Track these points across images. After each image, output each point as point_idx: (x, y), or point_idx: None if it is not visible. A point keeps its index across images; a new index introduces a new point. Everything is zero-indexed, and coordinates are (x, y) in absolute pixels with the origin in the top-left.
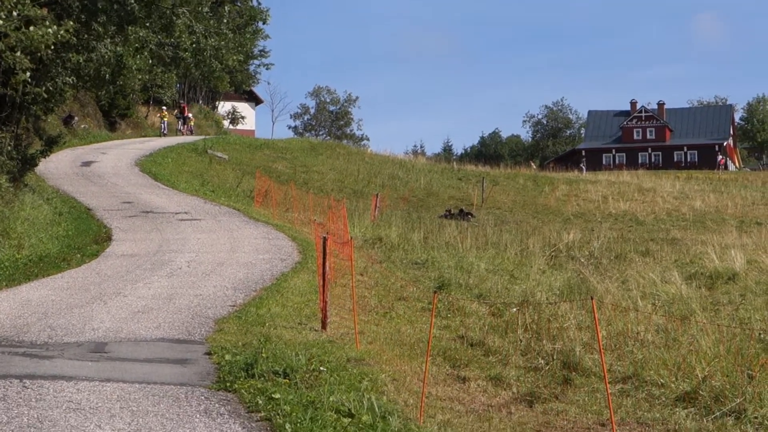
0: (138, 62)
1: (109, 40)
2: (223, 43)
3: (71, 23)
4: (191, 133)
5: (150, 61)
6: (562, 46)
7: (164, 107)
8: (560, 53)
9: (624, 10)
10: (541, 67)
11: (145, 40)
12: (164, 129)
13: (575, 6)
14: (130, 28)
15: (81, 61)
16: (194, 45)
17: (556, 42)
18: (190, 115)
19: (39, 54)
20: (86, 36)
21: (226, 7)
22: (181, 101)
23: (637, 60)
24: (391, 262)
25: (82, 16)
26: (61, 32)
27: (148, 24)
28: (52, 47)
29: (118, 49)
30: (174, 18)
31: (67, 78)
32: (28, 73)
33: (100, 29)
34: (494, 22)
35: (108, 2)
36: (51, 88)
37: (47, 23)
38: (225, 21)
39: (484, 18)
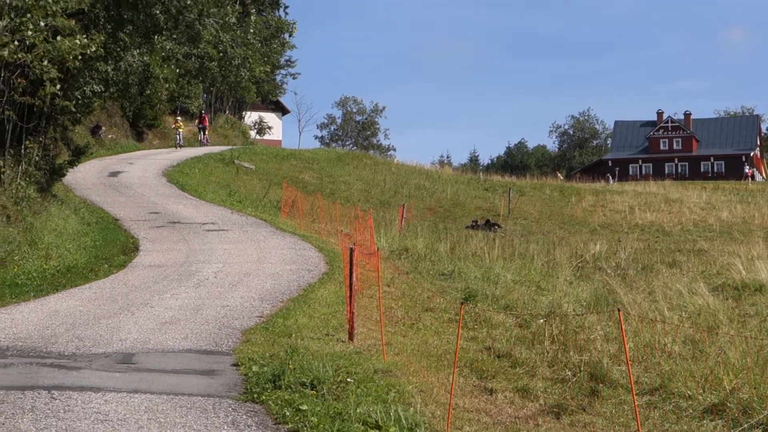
0: (165, 72)
1: (136, 50)
2: (250, 53)
3: (100, 36)
4: (208, 142)
5: (177, 71)
6: (589, 56)
7: (179, 117)
8: (587, 63)
9: (652, 22)
10: (567, 77)
11: (172, 51)
12: (180, 140)
13: (604, 17)
14: (156, 38)
15: (109, 71)
16: (221, 55)
17: (583, 52)
18: (208, 124)
19: (67, 65)
20: (113, 46)
21: (252, 18)
22: (202, 111)
23: (663, 71)
24: (417, 273)
25: (109, 27)
26: (92, 47)
27: (174, 36)
28: (80, 58)
29: (145, 58)
30: (200, 29)
31: (96, 87)
32: (57, 86)
33: (127, 39)
34: (521, 32)
35: (134, 13)
36: (79, 98)
37: (75, 34)
38: (252, 31)
39: (511, 28)
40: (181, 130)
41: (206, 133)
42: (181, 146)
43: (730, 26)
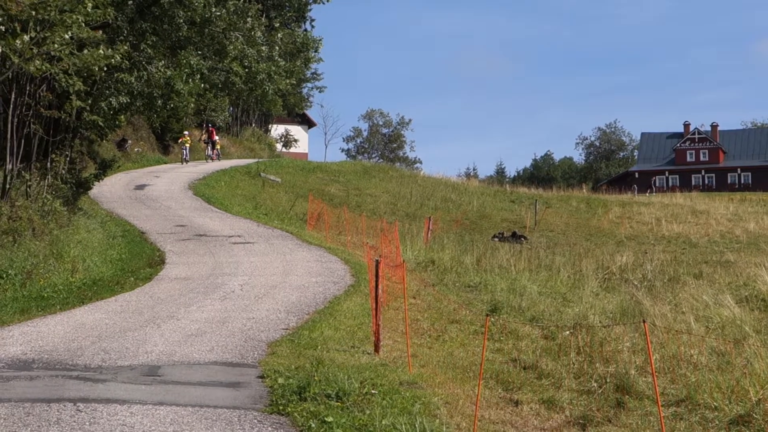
0: (189, 86)
1: (161, 63)
2: (274, 68)
3: (124, 47)
4: (219, 158)
5: (202, 86)
6: (616, 68)
7: (186, 132)
8: (614, 76)
9: (679, 35)
10: (594, 90)
11: (196, 67)
12: (186, 155)
13: (630, 29)
14: (181, 53)
15: (132, 80)
16: (246, 69)
17: (609, 64)
18: (217, 138)
19: (93, 78)
20: (137, 57)
21: (279, 35)
22: (209, 124)
23: (690, 83)
24: (443, 285)
25: (132, 38)
26: (116, 56)
27: (200, 51)
28: (105, 69)
29: (168, 72)
30: (226, 43)
31: (122, 99)
32: (79, 102)
33: (150, 51)
34: (547, 44)
35: (158, 24)
36: (106, 108)
37: (100, 46)
38: (277, 48)
39: (537, 41)
40: (188, 144)
41: (216, 147)
42: (187, 161)
43: (760, 38)
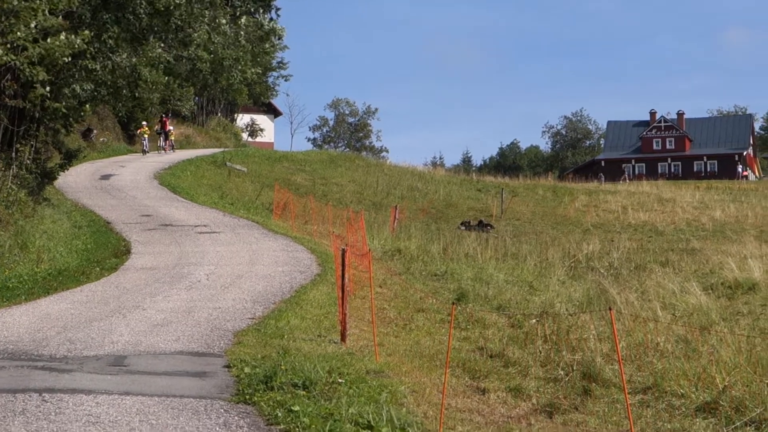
0: (153, 75)
1: (125, 54)
2: (241, 53)
3: (87, 32)
4: (173, 149)
5: (165, 79)
6: (582, 56)
7: (144, 122)
8: (580, 64)
9: (645, 22)
10: (560, 78)
11: (158, 59)
12: (146, 146)
13: (596, 16)
14: (144, 44)
15: (97, 68)
16: (212, 56)
17: (576, 52)
18: (172, 128)
19: (57, 66)
20: (100, 46)
21: (243, 20)
22: (163, 114)
23: (657, 71)
24: (410, 274)
25: (95, 27)
26: (78, 41)
27: (163, 40)
28: (70, 57)
29: (134, 60)
30: (191, 31)
31: (86, 85)
32: (47, 88)
33: (111, 42)
34: (514, 32)
35: (121, 13)
36: (69, 95)
37: (64, 34)
38: (243, 34)
39: (504, 28)
40: (146, 135)
41: (169, 138)
42: (146, 152)
43: (728, 27)
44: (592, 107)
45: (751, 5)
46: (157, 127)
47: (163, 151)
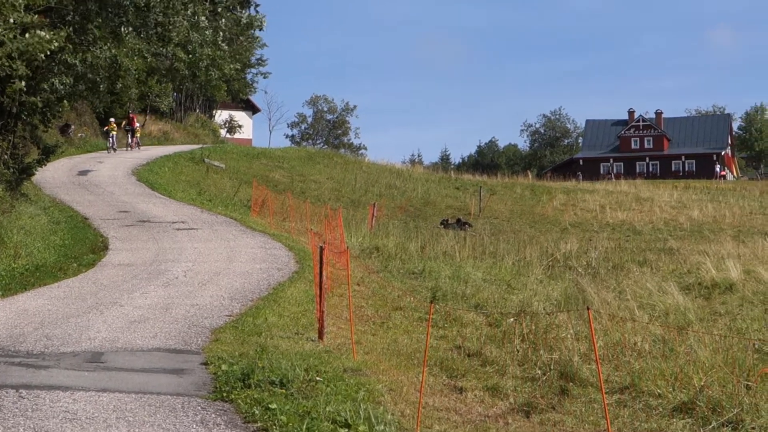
0: (134, 62)
1: (105, 46)
2: (219, 53)
3: (64, 32)
4: (139, 146)
5: (146, 63)
6: (561, 55)
7: (112, 119)
8: (559, 62)
9: (628, 21)
10: (539, 76)
11: (139, 49)
12: (113, 143)
13: (577, 15)
14: (124, 30)
15: (77, 63)
16: (190, 56)
17: (554, 51)
18: (138, 125)
19: (35, 62)
20: (80, 40)
21: (222, 20)
22: (129, 111)
23: (635, 70)
24: (388, 272)
25: (76, 22)
26: (55, 42)
27: (143, 34)
28: (48, 53)
29: (114, 51)
30: (170, 27)
31: (65, 79)
32: (23, 82)
33: (97, 32)
34: (493, 31)
35: (101, 6)
36: (47, 89)
37: (43, 31)
38: (221, 33)
39: (482, 26)
40: (114, 132)
41: (137, 135)
42: (114, 150)
43: (715, 26)
44: (570, 106)
45: (740, 5)
46: (124, 124)
47: (129, 149)
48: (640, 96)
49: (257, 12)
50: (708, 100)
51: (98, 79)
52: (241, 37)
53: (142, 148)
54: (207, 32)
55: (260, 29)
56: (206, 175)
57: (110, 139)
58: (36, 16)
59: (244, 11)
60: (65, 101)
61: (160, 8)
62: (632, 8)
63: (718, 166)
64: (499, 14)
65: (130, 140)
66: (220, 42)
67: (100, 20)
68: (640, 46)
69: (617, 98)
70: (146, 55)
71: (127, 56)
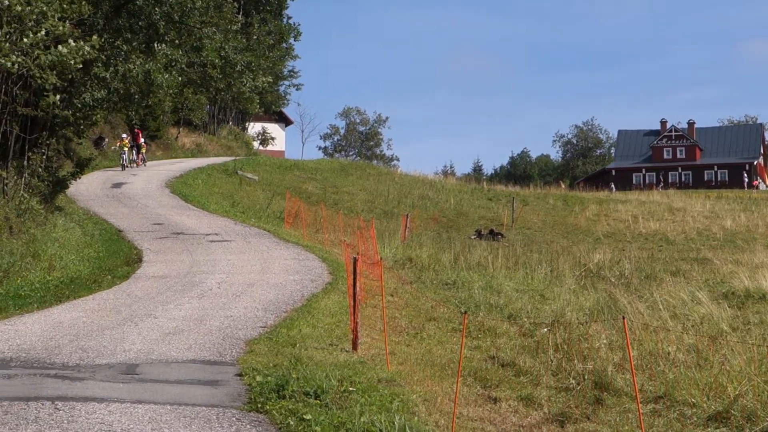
0: (167, 79)
1: (138, 60)
2: (253, 58)
3: (96, 38)
4: (144, 162)
5: (179, 79)
6: (593, 66)
7: (124, 135)
8: (592, 74)
9: (659, 34)
10: (572, 87)
11: (173, 59)
12: (125, 161)
13: (609, 27)
14: (157, 45)
15: (107, 75)
16: (223, 62)
17: (586, 62)
18: (143, 141)
19: (69, 75)
20: (112, 53)
21: (255, 26)
22: (135, 126)
23: (668, 82)
24: (421, 283)
25: (108, 35)
26: (87, 48)
27: (177, 42)
28: (81, 65)
29: (147, 66)
30: (203, 37)
31: (97, 93)
32: (57, 96)
33: (125, 47)
34: (527, 43)
35: (134, 20)
36: (79, 106)
37: (74, 42)
38: (255, 38)
39: (516, 39)
40: (126, 149)
41: (142, 151)
42: (125, 167)
43: (749, 39)
44: (602, 116)
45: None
46: (128, 139)
47: (135, 165)
48: (672, 106)
49: (290, 19)
50: (740, 110)
51: (132, 92)
52: (276, 48)
53: (148, 164)
54: (240, 38)
55: (295, 39)
56: (239, 187)
57: (122, 156)
58: (69, 25)
59: (276, 22)
60: (97, 112)
61: (193, 21)
62: (664, 21)
63: (747, 177)
64: (531, 28)
65: (135, 156)
66: (253, 46)
67: (130, 35)
68: (672, 57)
69: (649, 109)
70: (181, 64)
71: (160, 72)
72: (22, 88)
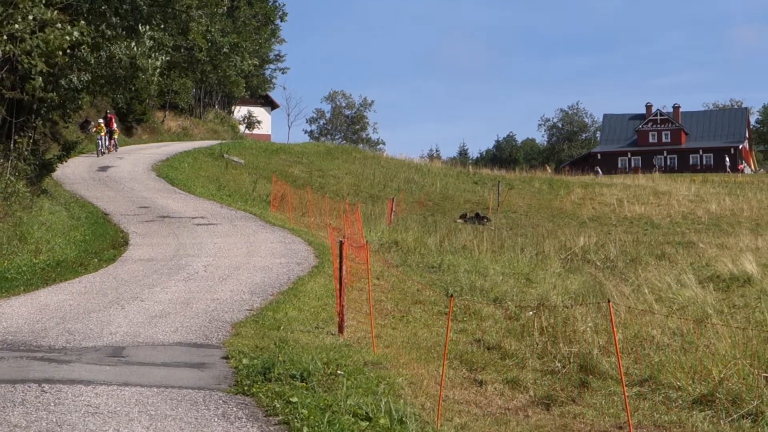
0: (153, 61)
1: (123, 43)
2: (240, 40)
3: (83, 23)
4: (116, 148)
5: (166, 58)
6: (579, 50)
7: (100, 120)
8: (576, 58)
9: (642, 19)
10: (557, 71)
11: (160, 42)
12: (102, 147)
13: (593, 13)
14: (142, 29)
15: (92, 60)
16: (210, 44)
17: (572, 47)
18: (116, 127)
19: (55, 59)
20: (98, 38)
21: (242, 9)
22: (108, 111)
23: (653, 65)
24: (407, 266)
25: (93, 18)
26: (75, 34)
27: (162, 27)
28: (68, 50)
29: (133, 50)
30: (189, 22)
31: (83, 77)
32: (40, 79)
33: (110, 32)
34: (512, 27)
35: (119, 3)
36: (65, 87)
37: (61, 26)
38: (242, 20)
39: (501, 23)
40: (102, 134)
41: (114, 137)
42: (103, 153)
43: (725, 22)
44: (588, 101)
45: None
46: (101, 123)
47: (107, 151)
48: (658, 91)
49: (276, 4)
50: (725, 94)
51: (118, 75)
52: (262, 31)
53: (119, 150)
54: (226, 22)
55: (282, 20)
56: (225, 171)
57: (98, 141)
58: (56, 12)
59: (263, 3)
60: (83, 95)
61: (180, 5)
62: (651, 5)
63: (729, 161)
64: (517, 12)
65: (107, 142)
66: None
67: (115, 19)
68: (657, 42)
69: (634, 93)
70: (167, 48)
71: (145, 57)
72: (8, 72)
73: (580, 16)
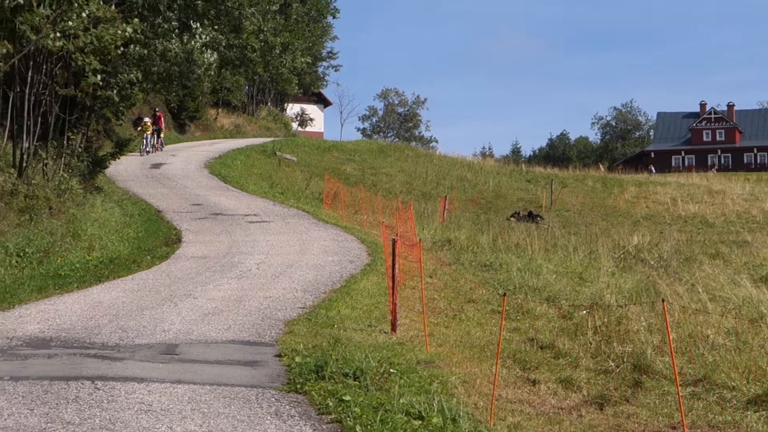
0: (207, 57)
1: (176, 39)
2: (292, 39)
3: (137, 20)
4: (162, 147)
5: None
6: (632, 48)
7: (147, 119)
8: (629, 55)
9: (696, 15)
10: (611, 69)
11: (214, 40)
12: (146, 146)
13: (646, 9)
14: (194, 26)
15: (144, 54)
16: (262, 44)
17: (625, 44)
18: (164, 125)
19: (109, 56)
20: (151, 34)
21: (293, 6)
22: (157, 109)
23: (707, 63)
24: (460, 264)
25: (146, 14)
26: (128, 30)
27: (216, 26)
28: (121, 48)
29: (187, 46)
30: (242, 20)
31: (135, 74)
32: (99, 77)
33: (165, 26)
34: (566, 24)
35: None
36: (120, 86)
37: (116, 23)
38: (294, 17)
39: (553, 20)
40: (148, 133)
41: (161, 136)
42: (148, 152)
43: None
44: (642, 99)
45: None
46: (149, 122)
47: (154, 150)
48: (712, 88)
49: (328, 1)
50: None
51: (172, 71)
52: (314, 27)
53: (172, 147)
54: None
55: (334, 17)
56: (278, 168)
57: (144, 140)
58: (112, 7)
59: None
60: (137, 91)
61: (232, 2)
62: (705, 2)
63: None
64: (569, 7)
65: (155, 141)
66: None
67: (169, 14)
68: (712, 38)
69: (689, 91)
70: (221, 47)
71: (201, 51)
72: (62, 68)
73: (633, 12)
